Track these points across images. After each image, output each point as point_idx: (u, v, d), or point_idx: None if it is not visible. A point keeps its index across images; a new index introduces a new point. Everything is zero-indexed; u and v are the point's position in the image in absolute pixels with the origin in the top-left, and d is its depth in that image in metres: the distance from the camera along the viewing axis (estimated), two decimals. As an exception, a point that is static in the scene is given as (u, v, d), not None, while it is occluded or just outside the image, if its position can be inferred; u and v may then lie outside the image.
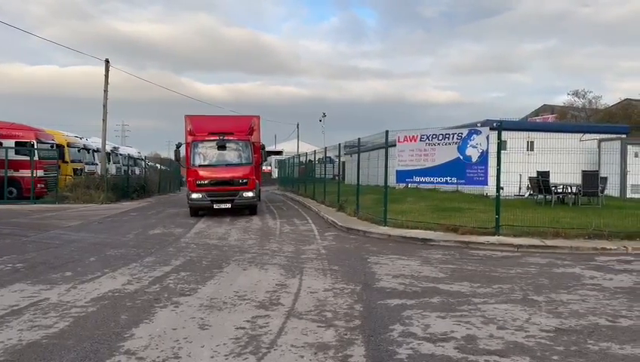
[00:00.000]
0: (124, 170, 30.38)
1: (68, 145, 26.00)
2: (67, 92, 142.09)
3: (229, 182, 16.61)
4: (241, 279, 7.53)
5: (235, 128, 17.81)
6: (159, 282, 7.33)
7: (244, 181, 16.65)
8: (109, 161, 30.51)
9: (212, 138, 17.13)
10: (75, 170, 26.01)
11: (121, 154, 34.04)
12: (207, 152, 17.05)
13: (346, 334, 5.05)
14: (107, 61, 26.76)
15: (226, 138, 17.11)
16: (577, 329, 5.17)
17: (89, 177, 25.64)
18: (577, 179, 17.15)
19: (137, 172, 33.97)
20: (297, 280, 7.47)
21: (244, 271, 8.12)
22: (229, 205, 16.37)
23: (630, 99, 45.14)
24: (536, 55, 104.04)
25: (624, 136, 22.74)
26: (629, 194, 19.72)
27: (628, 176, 20.10)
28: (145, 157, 39.86)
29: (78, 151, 27.62)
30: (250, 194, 16.72)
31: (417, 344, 4.76)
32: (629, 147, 20.90)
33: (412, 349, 4.63)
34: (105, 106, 26.78)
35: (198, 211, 16.96)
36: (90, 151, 29.35)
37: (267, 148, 21.54)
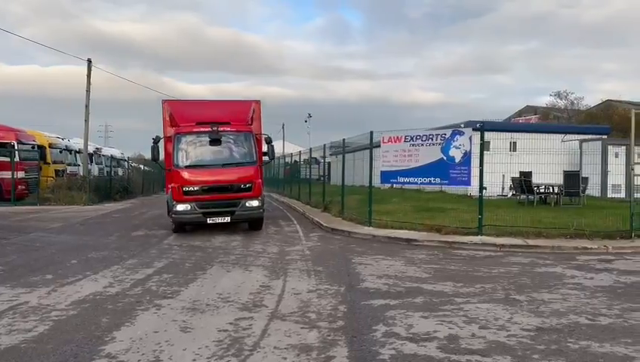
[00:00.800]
0: (107, 171, 30.06)
1: (49, 146, 25.63)
2: (49, 92, 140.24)
3: (228, 187, 12.54)
4: (224, 281, 7.49)
5: (231, 116, 13.50)
6: (141, 284, 7.26)
7: (248, 186, 12.59)
8: (92, 162, 30.17)
9: (202, 129, 12.88)
10: (56, 172, 25.65)
11: (103, 155, 33.70)
12: (195, 148, 12.98)
13: (329, 335, 5.04)
14: (89, 61, 26.46)
15: (220, 129, 12.88)
16: (558, 328, 5.22)
17: (71, 178, 25.34)
18: (559, 180, 17.37)
19: (120, 173, 33.66)
20: (281, 281, 7.45)
21: (227, 273, 8.08)
22: (227, 218, 12.44)
23: (611, 101, 45.85)
24: (519, 56, 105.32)
25: (605, 136, 23.13)
26: (609, 194, 20.03)
27: (609, 176, 20.41)
28: (128, 158, 39.52)
29: (60, 152, 27.25)
30: (255, 203, 12.59)
31: (400, 344, 4.78)
32: (609, 147, 21.23)
33: (395, 349, 4.64)
34: (87, 107, 26.46)
35: (184, 226, 13.03)
36: (73, 152, 28.98)
37: None
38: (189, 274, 7.93)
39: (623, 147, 20.27)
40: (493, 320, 5.49)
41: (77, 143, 30.09)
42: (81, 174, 26.76)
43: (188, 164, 12.69)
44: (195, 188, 12.37)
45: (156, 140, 13.01)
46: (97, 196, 24.30)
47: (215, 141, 12.91)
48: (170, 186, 13.04)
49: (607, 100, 46.45)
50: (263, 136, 13.85)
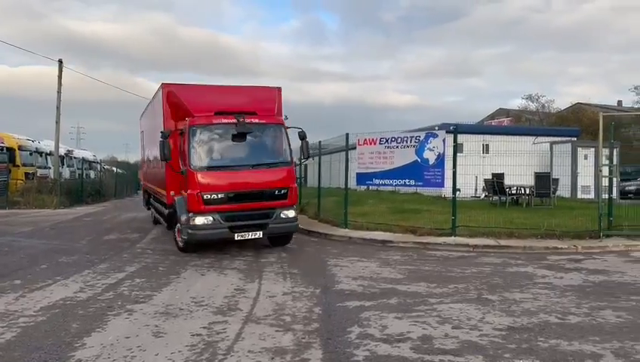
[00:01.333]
0: (79, 174, 29.52)
1: (19, 148, 25.02)
2: (18, 93, 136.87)
3: (260, 194, 10.03)
4: (198, 285, 7.42)
5: (255, 105, 10.71)
6: (113, 289, 7.14)
7: (283, 192, 10.18)
8: (63, 164, 29.59)
9: (225, 121, 10.13)
10: (26, 174, 25.04)
11: (75, 158, 33.09)
12: (217, 145, 10.23)
13: (303, 338, 5.04)
14: (60, 61, 25.94)
15: (248, 120, 10.18)
16: (529, 327, 5.32)
17: (41, 181, 24.75)
18: (530, 181, 17.68)
19: (93, 176, 33.09)
20: (256, 284, 7.42)
21: (202, 277, 8.01)
22: (259, 234, 9.98)
23: (581, 103, 46.97)
24: (493, 60, 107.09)
25: (575, 139, 23.62)
26: (579, 195, 20.47)
27: (578, 177, 20.86)
28: (100, 160, 38.85)
29: (30, 154, 26.63)
30: (291, 213, 10.32)
31: (374, 345, 4.80)
32: (579, 149, 21.70)
33: (369, 351, 4.66)
34: (58, 108, 25.93)
35: (199, 246, 10.21)
36: (43, 154, 28.34)
37: None
38: (162, 278, 7.83)
39: (592, 149, 20.73)
40: (465, 320, 5.56)
41: (48, 145, 29.44)
42: (52, 177, 26.20)
43: (210, 164, 9.93)
44: (220, 196, 9.71)
45: (166, 135, 10.20)
46: (69, 199, 23.85)
47: (240, 136, 10.13)
48: (184, 193, 10.05)
49: (577, 103, 47.57)
50: (296, 130, 11.12)
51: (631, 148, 28.75)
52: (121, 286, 7.30)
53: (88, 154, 37.99)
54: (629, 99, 44.83)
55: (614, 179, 11.87)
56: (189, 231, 9.68)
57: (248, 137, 10.24)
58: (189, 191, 9.70)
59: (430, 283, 7.35)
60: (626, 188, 20.32)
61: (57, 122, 26.19)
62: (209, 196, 9.66)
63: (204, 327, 5.37)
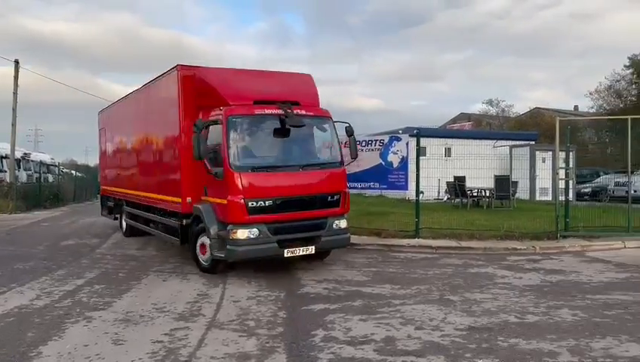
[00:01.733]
0: (37, 178, 28.60)
1: (-28, 151, 24.11)
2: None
3: (311, 200, 8.42)
4: (160, 290, 7.28)
5: (296, 93, 8.99)
6: (71, 296, 6.94)
7: (335, 198, 8.65)
8: (19, 167, 28.59)
9: (270, 111, 8.35)
10: (-21, 178, 24.14)
11: (32, 161, 32.03)
12: (260, 140, 8.60)
13: (267, 342, 5.01)
14: (17, 62, 25.06)
15: (295, 111, 8.45)
16: (489, 327, 5.43)
17: (-4, 185, 23.87)
18: (491, 184, 18.08)
19: (51, 179, 32.09)
20: (220, 289, 7.34)
21: (164, 282, 7.86)
22: (311, 249, 8.32)
23: (539, 108, 48.46)
24: (455, 65, 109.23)
25: (533, 142, 24.31)
26: (537, 197, 21.06)
27: (537, 180, 21.45)
28: (59, 163, 37.72)
29: (-16, 157, 25.68)
30: (343, 223, 8.77)
31: (338, 348, 4.82)
32: (537, 153, 22.32)
33: (333, 354, 4.68)
34: (14, 110, 25.06)
35: (230, 266, 8.50)
36: (-2, 157, 27.37)
37: None
38: (123, 285, 7.65)
39: (550, 152, 21.35)
40: (428, 321, 5.64)
41: (3, 148, 28.41)
42: (8, 181, 25.31)
43: (255, 164, 8.18)
44: (268, 203, 8.01)
45: (201, 126, 8.09)
46: (25, 204, 23.07)
47: (285, 130, 8.34)
48: (210, 199, 8.38)
49: (536, 108, 49.06)
50: (342, 125, 9.37)
51: (587, 152, 29.82)
52: (79, 293, 7.11)
53: (46, 158, 36.85)
54: (585, 104, 46.51)
55: (571, 182, 12.25)
56: (230, 246, 7.81)
57: (293, 132, 8.45)
58: (229, 198, 7.81)
59: (394, 285, 7.42)
60: (582, 190, 20.99)
61: (13, 124, 25.31)
62: (255, 203, 7.87)
63: (165, 334, 5.27)
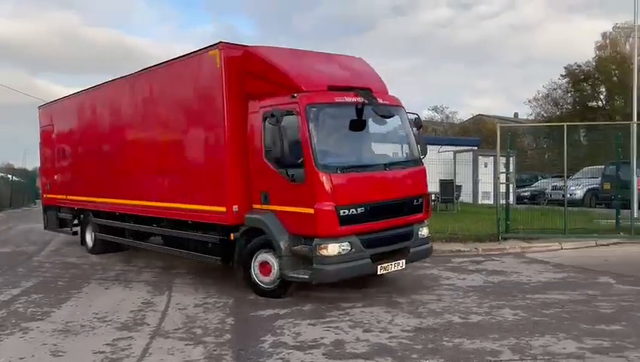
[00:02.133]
0: (-32, 183, 27.01)
1: None
2: None
3: (400, 205, 7.26)
4: (102, 299, 7.03)
5: (366, 79, 7.75)
6: (6, 306, 6.62)
7: (420, 201, 7.57)
8: (-52, 172, 26.96)
9: (350, 99, 6.98)
10: None
11: (-37, 165, 30.27)
12: (343, 135, 7.17)
13: (215, 350, 4.93)
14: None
15: (376, 99, 7.21)
16: (434, 328, 5.56)
17: None
18: (436, 188, 18.54)
19: (-16, 184, 30.37)
20: (166, 297, 7.16)
21: (105, 291, 7.60)
22: (402, 263, 7.15)
23: (482, 115, 50.10)
24: (402, 72, 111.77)
25: (476, 148, 25.13)
26: (480, 201, 21.77)
27: (479, 184, 22.18)
28: (-6, 167, 35.81)
29: None
30: (425, 231, 7.71)
31: (287, 353, 4.80)
32: (480, 158, 23.07)
33: (282, 359, 4.66)
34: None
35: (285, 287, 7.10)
36: None
37: None
38: (62, 294, 7.34)
39: (491, 158, 22.09)
40: (376, 323, 5.71)
41: None
42: None
43: (345, 163, 6.85)
44: (360, 210, 6.70)
45: (278, 115, 6.52)
46: (-45, 210, 21.75)
47: (362, 122, 7.00)
48: (270, 208, 7.00)
49: (479, 115, 50.70)
50: (412, 116, 8.03)
51: (526, 157, 31.13)
52: (15, 303, 6.78)
53: (-21, 161, 34.91)
54: (524, 112, 48.54)
55: (511, 186, 12.74)
56: (317, 266, 6.45)
57: (371, 125, 7.24)
58: (317, 206, 6.41)
59: (343, 289, 7.45)
60: (522, 193, 21.85)
61: (-59, 126, 23.89)
62: (347, 211, 6.56)
63: (107, 344, 5.09)
